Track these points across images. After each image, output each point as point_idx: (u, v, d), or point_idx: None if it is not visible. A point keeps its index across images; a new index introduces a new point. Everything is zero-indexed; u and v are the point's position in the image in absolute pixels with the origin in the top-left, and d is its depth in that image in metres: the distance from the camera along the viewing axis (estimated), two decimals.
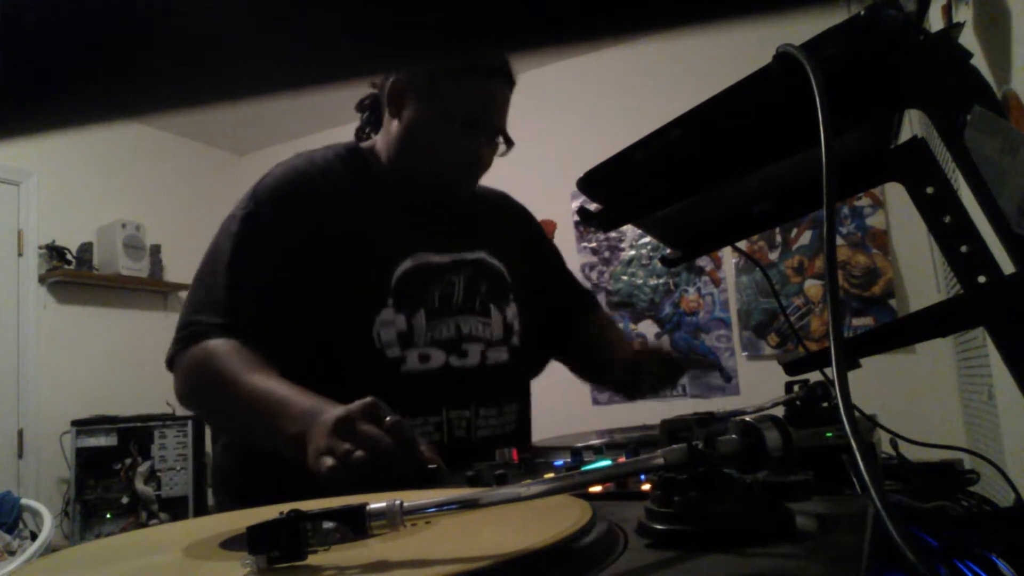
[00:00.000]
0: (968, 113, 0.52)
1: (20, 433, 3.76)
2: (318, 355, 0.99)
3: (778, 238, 3.40)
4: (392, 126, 1.11)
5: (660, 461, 0.38)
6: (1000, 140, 0.52)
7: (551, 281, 1.35)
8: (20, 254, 3.92)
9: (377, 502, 0.35)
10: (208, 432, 3.58)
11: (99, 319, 4.20)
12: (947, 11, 1.54)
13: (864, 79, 0.55)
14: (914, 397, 2.97)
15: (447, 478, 0.71)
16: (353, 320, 1.01)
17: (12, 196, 3.93)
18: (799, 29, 0.49)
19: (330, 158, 1.11)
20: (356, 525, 0.34)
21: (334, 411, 0.75)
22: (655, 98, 3.68)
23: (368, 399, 0.75)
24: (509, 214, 1.33)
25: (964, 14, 1.42)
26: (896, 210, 3.16)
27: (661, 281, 3.72)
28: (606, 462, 0.63)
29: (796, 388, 0.78)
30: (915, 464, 0.73)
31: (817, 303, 3.31)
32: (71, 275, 4.01)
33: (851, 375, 0.39)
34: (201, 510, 3.81)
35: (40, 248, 3.99)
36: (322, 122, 4.55)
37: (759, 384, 3.38)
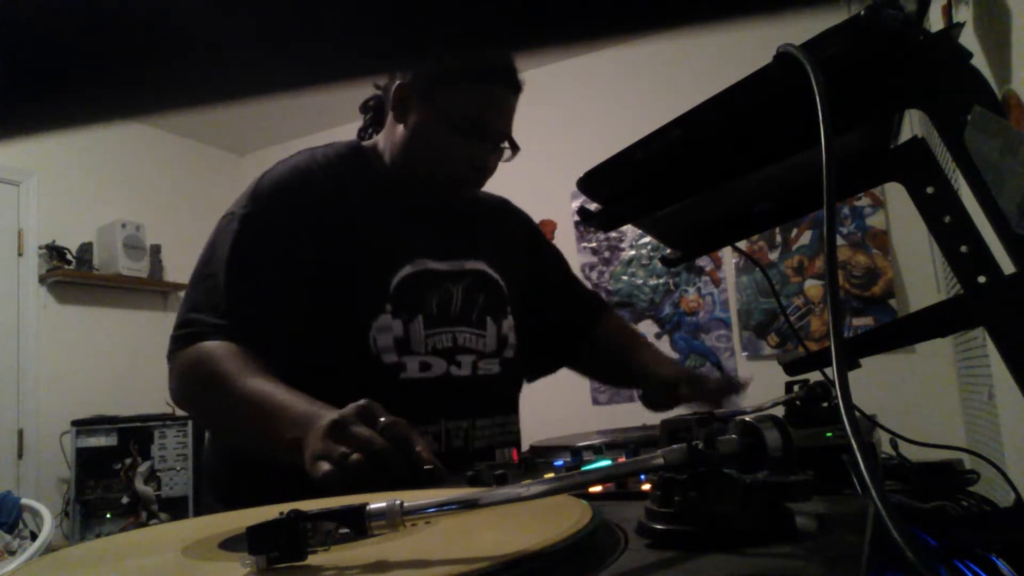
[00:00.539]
0: (968, 113, 0.52)
1: (20, 433, 3.76)
2: (315, 358, 0.99)
3: (778, 238, 3.40)
4: (397, 130, 1.10)
5: (660, 461, 0.38)
6: (1000, 140, 0.52)
7: (554, 290, 1.34)
8: (20, 254, 3.92)
9: (377, 502, 0.35)
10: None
11: (99, 319, 4.20)
12: (947, 11, 1.54)
13: (864, 79, 0.55)
14: (914, 397, 2.97)
15: (445, 478, 0.71)
16: (350, 323, 1.00)
17: (12, 196, 3.93)
18: (799, 29, 0.49)
19: (332, 157, 1.09)
20: (356, 525, 0.34)
21: (329, 415, 0.74)
22: (655, 98, 3.68)
23: (362, 401, 0.74)
24: (510, 223, 1.32)
25: (964, 14, 1.42)
26: (896, 210, 3.17)
27: (661, 281, 3.72)
28: (606, 462, 0.63)
29: (796, 388, 0.78)
30: (915, 464, 0.73)
31: (817, 303, 3.31)
32: (71, 275, 4.01)
33: (851, 375, 0.39)
34: (201, 510, 3.80)
35: (40, 248, 3.99)
36: (322, 122, 4.55)
37: (759, 384, 3.38)
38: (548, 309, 1.30)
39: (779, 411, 0.74)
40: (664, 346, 3.69)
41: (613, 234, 3.83)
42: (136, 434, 3.76)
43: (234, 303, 0.95)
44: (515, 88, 1.09)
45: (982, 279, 0.57)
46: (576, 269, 3.84)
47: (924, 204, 0.62)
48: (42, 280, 3.96)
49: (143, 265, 4.29)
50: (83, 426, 3.67)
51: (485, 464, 0.75)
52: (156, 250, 4.42)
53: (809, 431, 0.62)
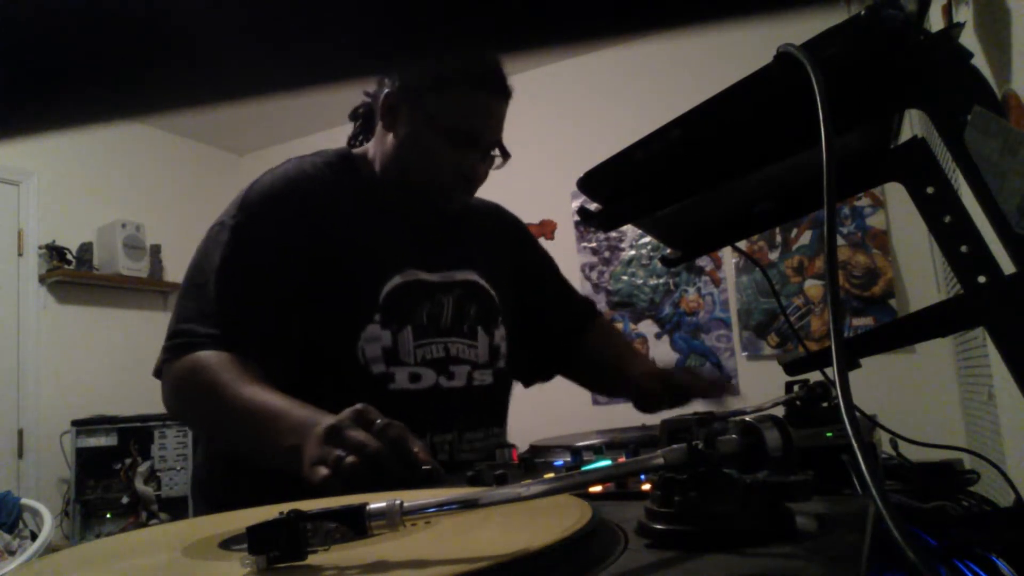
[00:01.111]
0: (968, 113, 0.52)
1: (20, 433, 3.76)
2: (304, 367, 0.98)
3: (778, 238, 3.40)
4: (386, 138, 1.09)
5: (660, 461, 0.38)
6: (1000, 140, 0.52)
7: (546, 296, 1.33)
8: (20, 254, 3.92)
9: (377, 502, 0.35)
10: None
11: (99, 319, 4.20)
12: (947, 11, 1.54)
13: (864, 79, 0.55)
14: (914, 397, 2.97)
15: (442, 478, 0.71)
16: (339, 333, 1.00)
17: (12, 196, 3.93)
18: (799, 29, 0.49)
19: (321, 165, 1.08)
20: (356, 525, 0.34)
21: (325, 420, 0.74)
22: (655, 98, 3.68)
23: (358, 405, 0.74)
24: (501, 229, 1.31)
25: (964, 14, 1.42)
26: (896, 210, 3.17)
27: (661, 281, 3.72)
28: (606, 462, 0.63)
29: (796, 388, 0.78)
30: (915, 464, 0.73)
31: (817, 303, 3.31)
32: (71, 275, 4.01)
33: (851, 375, 0.39)
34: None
35: (40, 248, 3.99)
36: (322, 122, 4.55)
37: (759, 384, 3.38)
38: (540, 315, 1.29)
39: (779, 411, 0.74)
40: (664, 346, 3.69)
41: (613, 234, 3.83)
42: (136, 434, 3.76)
43: (225, 313, 0.95)
44: (504, 95, 1.08)
45: (982, 279, 0.57)
46: (576, 269, 3.89)
47: (924, 204, 0.62)
48: (42, 280, 3.96)
49: (143, 265, 4.29)
50: (83, 426, 3.67)
51: (485, 464, 0.75)
52: (156, 250, 4.42)
53: (809, 431, 0.62)
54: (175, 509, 3.75)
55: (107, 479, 3.67)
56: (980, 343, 2.13)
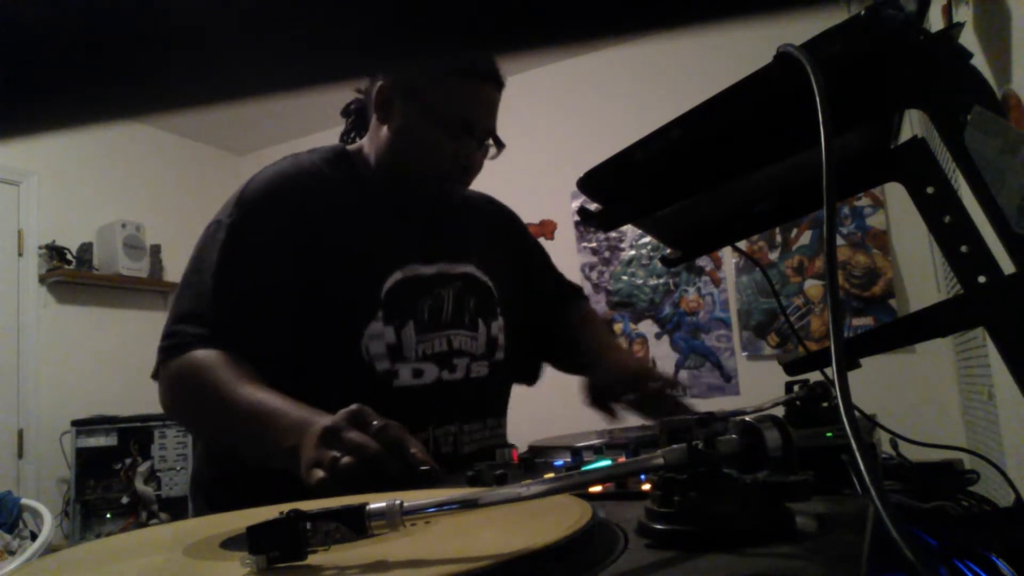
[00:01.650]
0: (968, 113, 0.52)
1: (20, 433, 3.76)
2: (305, 367, 0.98)
3: (778, 238, 3.40)
4: (381, 131, 1.09)
5: (660, 461, 0.38)
6: (1000, 140, 0.52)
7: (536, 282, 1.33)
8: (20, 254, 3.92)
9: (377, 502, 0.35)
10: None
11: (99, 319, 4.20)
12: (947, 11, 1.54)
13: (864, 79, 0.55)
14: (914, 397, 2.97)
15: (441, 479, 0.70)
16: (341, 332, 0.99)
17: (12, 196, 3.93)
18: (799, 29, 0.49)
19: (317, 161, 1.08)
20: (356, 525, 0.34)
21: (322, 421, 0.74)
22: (655, 98, 3.68)
23: (354, 406, 0.74)
24: (495, 220, 1.31)
25: (964, 14, 1.42)
26: (896, 210, 3.17)
27: (661, 281, 3.72)
28: (606, 462, 0.63)
29: (796, 388, 0.78)
30: (915, 464, 0.73)
31: (817, 303, 3.31)
32: (71, 275, 4.01)
33: (851, 375, 0.39)
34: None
35: (40, 248, 3.98)
36: (322, 122, 4.55)
37: (759, 384, 3.38)
38: (533, 302, 1.29)
39: (779, 411, 0.74)
40: (664, 346, 3.69)
41: (613, 234, 3.82)
42: (136, 434, 3.76)
43: (222, 313, 0.94)
44: (497, 82, 1.08)
45: (982, 279, 0.57)
46: (576, 269, 3.88)
47: (924, 204, 0.62)
48: (42, 280, 3.95)
49: (143, 265, 4.29)
50: (83, 426, 3.67)
51: (485, 464, 0.75)
52: (156, 250, 4.42)
53: (809, 431, 0.62)
54: (175, 509, 3.75)
55: (107, 479, 3.67)
56: (980, 343, 2.13)
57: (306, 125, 4.66)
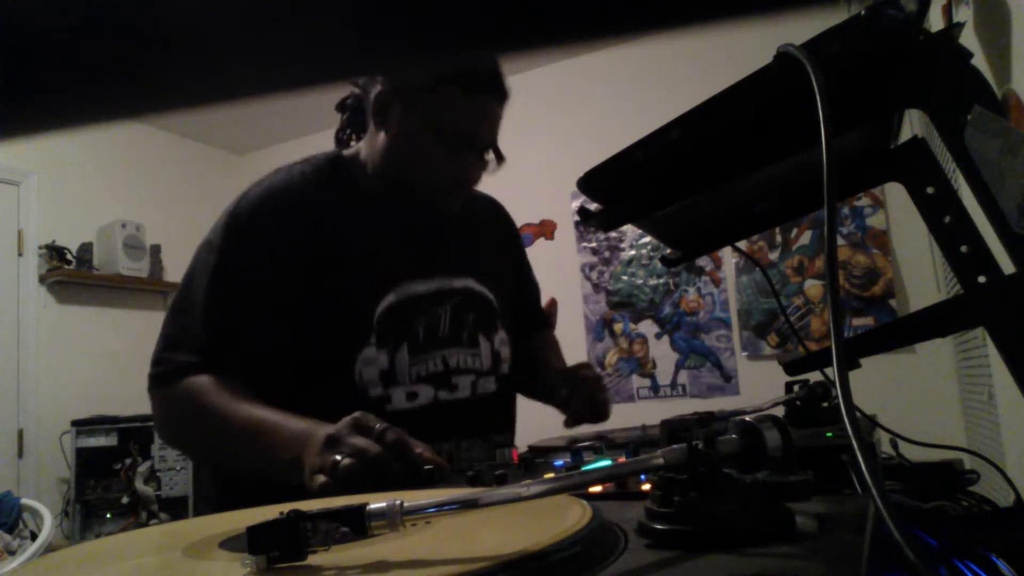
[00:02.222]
0: (968, 113, 0.52)
1: (20, 433, 3.76)
2: (298, 392, 0.95)
3: (778, 238, 3.40)
4: (378, 138, 1.05)
5: (660, 461, 0.38)
6: (1000, 140, 0.52)
7: (522, 303, 1.31)
8: (20, 254, 3.92)
9: (377, 502, 0.35)
10: None
11: (99, 319, 4.20)
12: (947, 11, 1.54)
13: (864, 79, 0.55)
14: (914, 397, 2.97)
15: (447, 477, 0.71)
16: (334, 357, 0.97)
17: (12, 196, 3.93)
18: (799, 29, 0.49)
19: (309, 174, 1.04)
20: (356, 525, 0.34)
21: (324, 430, 0.74)
22: (655, 98, 3.68)
23: (356, 413, 0.74)
24: (497, 228, 1.28)
25: (964, 14, 1.42)
26: (896, 210, 3.17)
27: (661, 281, 3.72)
28: (606, 462, 0.63)
29: (796, 388, 0.78)
30: (915, 464, 0.73)
31: (817, 303, 3.31)
32: (71, 275, 4.01)
33: (851, 375, 0.39)
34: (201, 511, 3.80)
35: (40, 248, 3.99)
36: (323, 122, 4.53)
37: (759, 384, 3.38)
38: (521, 317, 1.28)
39: (779, 411, 0.74)
40: (664, 346, 3.69)
41: (613, 234, 3.83)
42: (136, 434, 3.76)
43: (212, 339, 0.93)
44: (501, 96, 1.04)
45: (982, 279, 0.57)
46: (576, 269, 3.88)
47: (924, 204, 0.62)
48: (42, 280, 3.95)
49: (143, 265, 4.29)
50: (83, 426, 3.67)
51: (485, 464, 0.75)
52: (156, 250, 4.42)
53: (809, 431, 0.63)
54: (175, 509, 3.75)
55: (107, 479, 3.67)
56: (980, 343, 2.13)
57: (306, 125, 4.66)
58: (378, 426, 0.72)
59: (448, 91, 1.00)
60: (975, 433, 2.53)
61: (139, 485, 3.66)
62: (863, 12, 0.49)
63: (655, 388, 3.66)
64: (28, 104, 0.24)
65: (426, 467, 0.69)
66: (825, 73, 0.47)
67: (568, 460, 0.70)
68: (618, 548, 0.37)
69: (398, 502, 0.35)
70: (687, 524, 0.37)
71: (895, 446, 0.79)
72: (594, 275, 3.88)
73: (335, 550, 0.35)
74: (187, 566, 0.39)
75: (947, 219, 0.60)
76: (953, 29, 0.54)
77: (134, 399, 3.93)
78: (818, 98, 0.45)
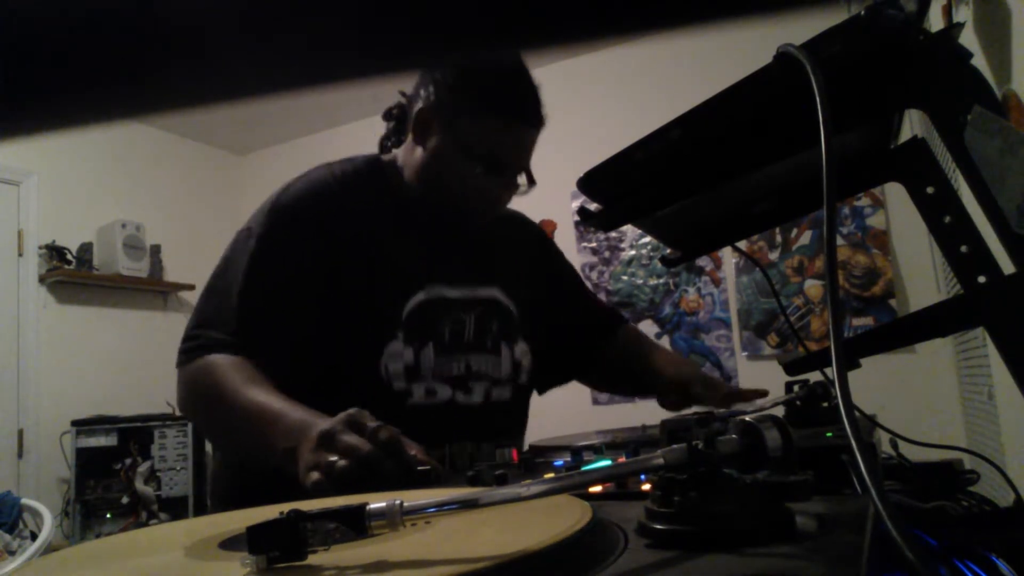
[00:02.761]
0: (968, 113, 0.52)
1: (20, 433, 3.76)
2: (324, 381, 0.98)
3: (778, 238, 3.40)
4: (416, 151, 1.09)
5: (660, 461, 0.38)
6: (1000, 140, 0.52)
7: (568, 307, 1.33)
8: (20, 254, 3.92)
9: (377, 502, 0.35)
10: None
11: (99, 319, 4.20)
12: (947, 11, 1.54)
13: (864, 79, 0.55)
14: (914, 397, 2.97)
15: (442, 478, 0.71)
16: (361, 349, 1.00)
17: (12, 196, 3.93)
18: (799, 29, 0.49)
19: (350, 173, 1.09)
20: (356, 525, 0.34)
21: (319, 425, 0.74)
22: (655, 98, 3.68)
23: (352, 410, 0.75)
24: (525, 243, 1.31)
25: (964, 14, 1.42)
26: (896, 210, 3.17)
27: (661, 281, 3.72)
28: (606, 462, 0.63)
29: (796, 388, 0.78)
30: (915, 464, 0.73)
31: (817, 303, 3.31)
32: (71, 275, 4.01)
33: (851, 375, 0.39)
34: (201, 510, 3.81)
35: (40, 248, 3.98)
36: (322, 122, 4.54)
37: (759, 384, 3.38)
38: (561, 326, 1.29)
39: (779, 411, 0.74)
40: (664, 346, 3.68)
41: (613, 234, 3.83)
42: (136, 434, 3.76)
43: (245, 323, 0.95)
44: (538, 124, 1.08)
45: (982, 279, 0.57)
46: (576, 269, 3.87)
47: (924, 204, 0.62)
48: (42, 280, 3.95)
49: (143, 265, 4.29)
50: (83, 426, 3.67)
51: (485, 464, 0.75)
52: (156, 250, 4.42)
53: (809, 431, 0.63)
54: (175, 509, 3.75)
55: (107, 479, 3.67)
56: (980, 343, 2.13)
57: (307, 125, 4.66)
58: (372, 424, 0.72)
59: (486, 116, 1.04)
60: (975, 433, 2.53)
61: (139, 485, 3.66)
62: (863, 12, 0.49)
63: None
64: (28, 104, 0.24)
65: (420, 467, 0.69)
66: (825, 73, 0.47)
67: (568, 460, 0.70)
68: (618, 548, 0.37)
69: (398, 502, 0.35)
70: (687, 524, 0.37)
71: (895, 446, 0.79)
72: (594, 275, 3.88)
73: (335, 550, 0.35)
74: (187, 566, 0.39)
75: (947, 219, 0.60)
76: (953, 29, 0.54)
77: (134, 399, 3.94)
78: (818, 98, 0.45)
